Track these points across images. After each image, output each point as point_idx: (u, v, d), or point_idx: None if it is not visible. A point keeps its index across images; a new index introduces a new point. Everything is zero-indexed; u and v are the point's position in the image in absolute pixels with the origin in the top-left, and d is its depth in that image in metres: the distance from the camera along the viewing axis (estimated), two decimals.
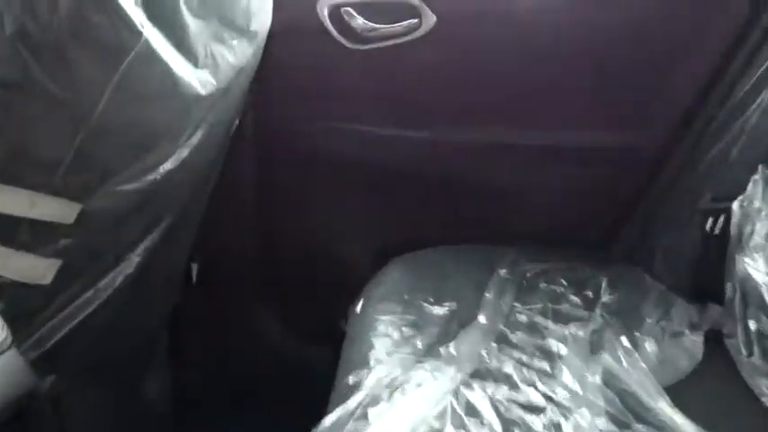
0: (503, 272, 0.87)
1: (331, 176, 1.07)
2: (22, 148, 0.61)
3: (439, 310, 0.79)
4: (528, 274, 0.88)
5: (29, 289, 0.67)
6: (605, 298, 0.85)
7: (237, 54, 0.79)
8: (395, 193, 1.06)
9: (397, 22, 1.01)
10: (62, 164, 0.63)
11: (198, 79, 0.72)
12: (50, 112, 0.61)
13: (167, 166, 0.74)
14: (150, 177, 0.72)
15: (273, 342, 1.13)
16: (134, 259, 0.78)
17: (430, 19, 0.99)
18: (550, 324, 0.79)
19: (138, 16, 0.62)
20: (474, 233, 1.02)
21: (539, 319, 0.80)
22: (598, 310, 0.82)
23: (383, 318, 0.77)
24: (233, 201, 1.04)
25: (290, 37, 0.95)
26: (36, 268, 0.66)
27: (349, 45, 1.02)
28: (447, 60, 1.01)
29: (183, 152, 0.76)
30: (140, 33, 0.62)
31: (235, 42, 0.78)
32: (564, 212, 1.03)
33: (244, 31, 0.80)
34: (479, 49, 1.00)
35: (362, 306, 0.82)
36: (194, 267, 1.06)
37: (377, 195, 1.07)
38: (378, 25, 1.02)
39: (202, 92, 0.72)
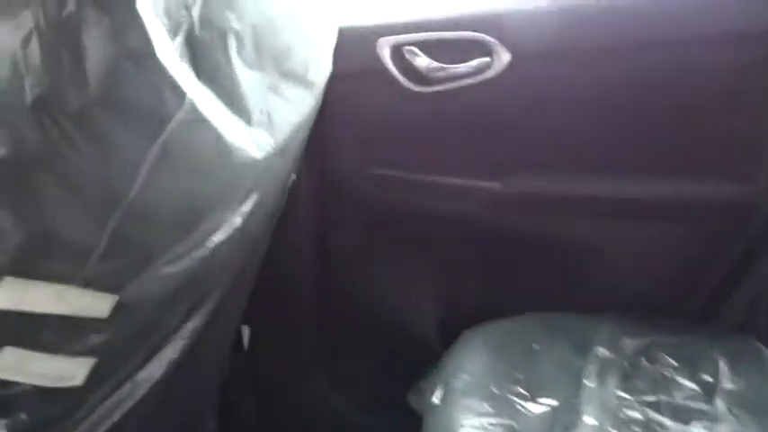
0: (601, 351, 0.71)
1: (392, 230, 0.92)
2: (46, 234, 0.48)
3: (535, 408, 0.64)
4: (628, 352, 0.72)
5: (56, 393, 0.54)
6: (727, 384, 0.68)
7: (296, 107, 0.65)
8: (463, 249, 0.91)
9: (466, 60, 0.87)
10: (94, 251, 0.50)
11: (252, 140, 0.58)
12: (79, 192, 0.48)
13: (216, 238, 0.60)
14: (197, 254, 0.58)
15: (331, 411, 0.98)
16: (179, 342, 0.65)
17: (503, 57, 0.84)
18: (668, 422, 0.63)
19: (182, 74, 0.49)
20: (553, 297, 0.86)
21: (653, 415, 0.64)
22: (721, 402, 0.66)
23: (471, 421, 0.62)
24: (286, 259, 0.91)
25: (347, 80, 0.82)
26: (64, 370, 0.53)
27: (413, 87, 0.88)
28: (521, 103, 0.86)
29: (235, 221, 0.62)
30: (184, 95, 0.49)
31: (292, 94, 0.65)
32: (657, 275, 0.86)
33: (302, 81, 0.67)
34: (558, 89, 0.85)
35: (442, 399, 0.67)
36: (246, 331, 0.93)
37: (443, 252, 0.92)
38: (445, 65, 0.89)
39: (258, 154, 0.59)
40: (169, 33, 0.49)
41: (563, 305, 0.83)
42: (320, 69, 0.70)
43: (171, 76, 0.49)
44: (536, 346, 0.72)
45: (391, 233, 0.93)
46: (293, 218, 0.86)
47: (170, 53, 0.49)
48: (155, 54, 0.48)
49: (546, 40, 0.82)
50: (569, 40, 0.82)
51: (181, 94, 0.50)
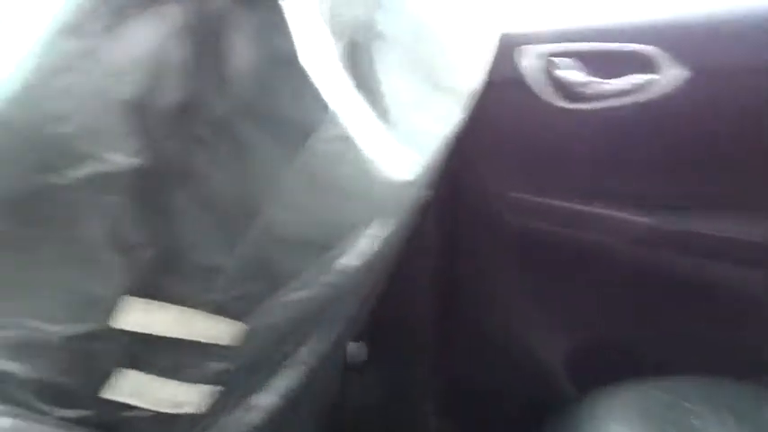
0: None
1: (523, 259, 0.80)
2: (173, 254, 0.42)
3: None
4: None
5: (167, 417, 0.48)
6: None
7: (445, 121, 0.56)
8: (603, 287, 0.78)
9: (624, 74, 0.74)
10: (222, 273, 0.43)
11: (400, 160, 0.49)
12: (212, 207, 0.41)
13: (350, 263, 0.52)
14: (328, 280, 0.50)
15: None
16: (297, 368, 0.58)
17: (673, 73, 0.70)
18: None
19: (329, 84, 0.41)
20: (703, 354, 0.71)
21: None
22: None
23: None
24: (409, 279, 0.81)
25: (485, 93, 0.72)
26: (181, 396, 0.47)
27: (558, 103, 0.76)
28: (689, 128, 0.72)
29: (371, 245, 0.54)
30: (326, 107, 0.41)
31: (442, 107, 0.55)
32: None
33: (452, 93, 0.57)
34: (737, 113, 0.70)
35: None
36: (363, 347, 0.84)
37: (580, 287, 0.79)
38: (598, 79, 0.76)
39: (404, 175, 0.50)
40: (330, 37, 0.41)
41: (715, 365, 0.67)
42: (472, 79, 0.60)
43: (314, 86, 0.41)
44: (695, 421, 0.58)
45: (522, 262, 0.81)
46: (420, 236, 0.77)
47: (318, 60, 0.41)
48: (298, 60, 0.40)
49: (734, 54, 0.67)
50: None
51: (323, 107, 0.41)
